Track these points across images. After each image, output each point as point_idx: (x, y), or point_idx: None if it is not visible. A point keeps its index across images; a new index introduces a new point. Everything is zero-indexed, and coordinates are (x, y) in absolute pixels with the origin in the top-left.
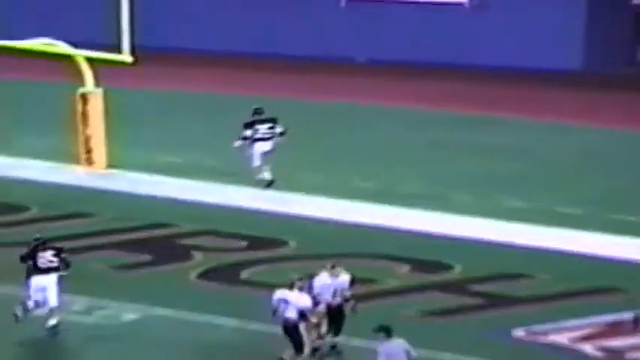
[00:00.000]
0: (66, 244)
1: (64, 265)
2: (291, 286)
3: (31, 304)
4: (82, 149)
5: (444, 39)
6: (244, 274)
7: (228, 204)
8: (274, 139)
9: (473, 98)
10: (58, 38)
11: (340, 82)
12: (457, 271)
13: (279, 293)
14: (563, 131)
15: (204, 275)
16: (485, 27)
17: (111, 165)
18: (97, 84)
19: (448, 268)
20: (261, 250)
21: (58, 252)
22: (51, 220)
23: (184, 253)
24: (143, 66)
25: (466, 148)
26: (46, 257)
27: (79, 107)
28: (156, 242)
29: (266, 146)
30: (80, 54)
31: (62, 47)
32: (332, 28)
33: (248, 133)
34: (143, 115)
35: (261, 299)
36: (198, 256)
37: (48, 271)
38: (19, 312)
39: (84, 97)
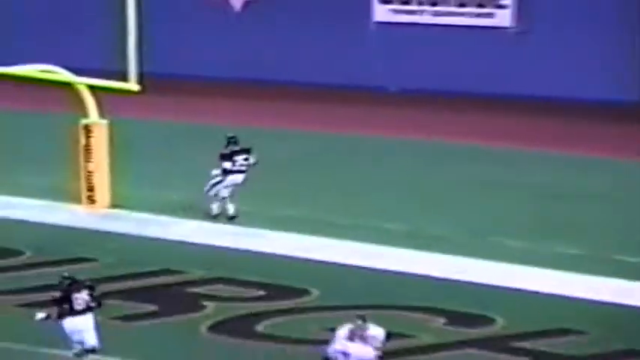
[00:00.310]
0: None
1: (97, 303)
2: (351, 337)
3: (78, 346)
4: (83, 186)
5: (483, 66)
6: (261, 327)
7: (242, 248)
8: (246, 172)
9: (514, 131)
10: (57, 64)
11: (368, 113)
12: (499, 325)
13: (339, 344)
14: (616, 168)
15: (216, 328)
16: (529, 53)
17: (115, 204)
18: (101, 114)
19: (489, 321)
20: (279, 300)
21: (92, 290)
22: (47, 266)
23: (194, 303)
24: (150, 95)
25: (505, 186)
26: (83, 297)
27: (82, 140)
28: (163, 290)
29: (239, 179)
30: (82, 82)
31: (62, 74)
32: (361, 54)
33: (228, 165)
34: (151, 148)
35: (281, 354)
36: (209, 306)
37: (84, 311)
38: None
39: (87, 129)
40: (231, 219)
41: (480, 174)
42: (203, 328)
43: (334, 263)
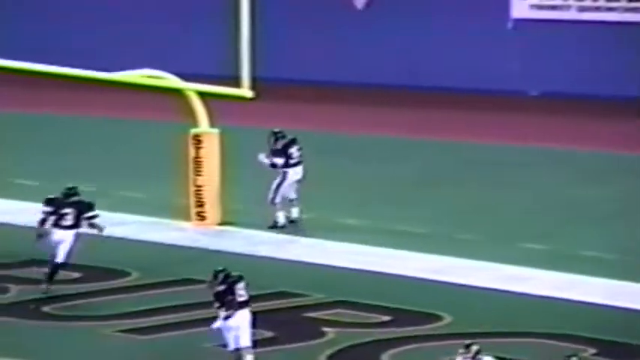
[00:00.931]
0: (173, 317)
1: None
2: None
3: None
4: (192, 202)
5: (636, 67)
6: (386, 356)
7: (364, 268)
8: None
9: None
10: (164, 70)
11: (505, 120)
12: None
13: None
14: None
15: (337, 356)
16: None
17: (226, 221)
18: (212, 123)
19: None
20: (407, 326)
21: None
22: (154, 288)
23: (313, 329)
24: (264, 101)
25: None
26: (241, 291)
27: (191, 151)
28: (279, 315)
29: (299, 172)
30: (191, 88)
31: (170, 80)
32: (497, 55)
33: (280, 161)
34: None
35: None
36: (330, 332)
37: (241, 306)
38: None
39: (196, 139)
40: (291, 223)
41: (626, 189)
42: (323, 358)
43: (467, 286)
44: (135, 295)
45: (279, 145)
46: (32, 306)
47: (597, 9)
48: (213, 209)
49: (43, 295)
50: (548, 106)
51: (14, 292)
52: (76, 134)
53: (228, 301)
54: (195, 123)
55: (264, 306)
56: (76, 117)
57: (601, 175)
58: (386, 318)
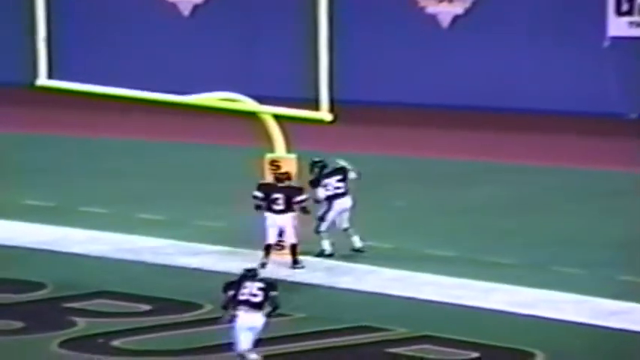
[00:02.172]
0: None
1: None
2: None
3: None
4: None
5: None
6: None
7: (450, 302)
8: (349, 193)
9: None
10: (239, 92)
11: (603, 144)
12: None
13: None
14: None
15: None
16: None
17: (305, 251)
18: (289, 148)
19: None
20: None
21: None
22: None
23: None
24: (343, 125)
25: None
26: (255, 290)
27: (267, 177)
28: (361, 350)
29: (346, 202)
30: (268, 111)
31: (246, 103)
32: (592, 75)
33: (321, 192)
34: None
35: None
36: None
37: (254, 307)
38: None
39: (274, 165)
40: (357, 252)
41: None
42: None
43: (561, 320)
44: (207, 328)
45: (314, 175)
46: (101, 340)
47: None
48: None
49: (114, 329)
50: None
51: (82, 325)
52: (148, 159)
53: (228, 300)
54: (271, 147)
55: (344, 341)
56: (148, 142)
57: None
58: (474, 355)
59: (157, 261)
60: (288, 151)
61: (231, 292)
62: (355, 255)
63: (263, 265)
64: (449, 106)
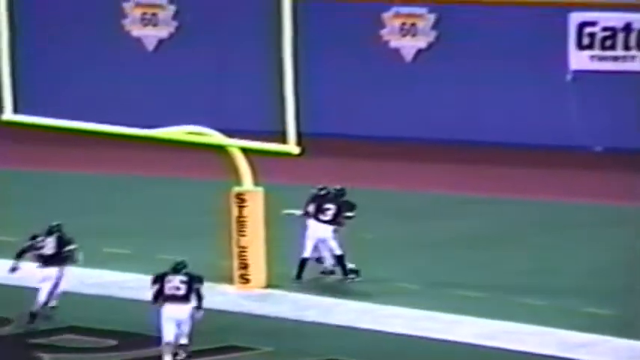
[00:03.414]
0: None
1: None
2: None
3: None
4: (235, 264)
5: None
6: None
7: (415, 334)
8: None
9: None
10: (206, 125)
11: (568, 177)
12: None
13: None
14: None
15: None
16: None
17: (272, 284)
18: (256, 181)
19: None
20: None
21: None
22: (196, 356)
23: None
24: (309, 158)
25: None
26: (178, 284)
27: (234, 210)
28: None
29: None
30: (235, 144)
31: (213, 136)
32: (556, 109)
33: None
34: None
35: None
36: None
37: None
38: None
39: (240, 198)
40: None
41: None
42: None
43: (524, 352)
44: None
45: (314, 194)
46: None
47: None
48: (257, 272)
49: None
50: (613, 162)
51: None
52: (114, 193)
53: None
54: (238, 181)
55: None
56: (114, 176)
57: None
58: None
59: (123, 295)
60: (256, 184)
61: (156, 286)
62: (323, 287)
63: None
64: (414, 139)
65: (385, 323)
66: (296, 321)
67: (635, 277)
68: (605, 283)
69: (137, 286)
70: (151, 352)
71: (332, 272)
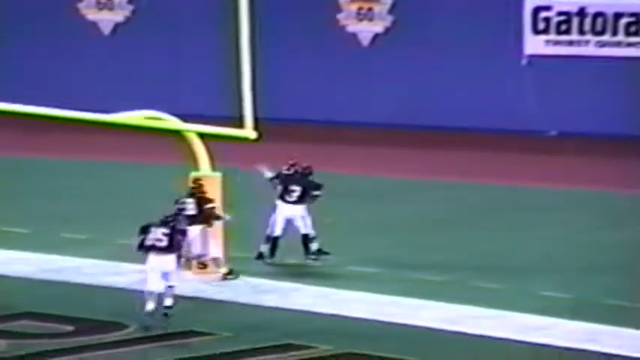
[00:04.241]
0: None
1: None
2: None
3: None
4: None
5: None
6: None
7: (374, 318)
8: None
9: None
10: (163, 110)
11: (523, 161)
12: None
13: None
14: None
15: None
16: None
17: (229, 270)
18: (213, 166)
19: None
20: None
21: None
22: (154, 341)
23: None
24: (266, 143)
25: None
26: (157, 234)
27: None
28: None
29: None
30: (192, 129)
31: (170, 121)
32: (511, 93)
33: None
34: (270, 204)
35: None
36: None
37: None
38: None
39: (197, 183)
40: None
41: None
42: None
43: (481, 336)
44: (134, 349)
45: (281, 173)
46: None
47: (618, 44)
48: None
49: (37, 350)
50: (568, 146)
51: (4, 347)
52: (69, 179)
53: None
54: (195, 166)
55: (272, 359)
56: (71, 161)
57: (626, 218)
58: None
59: (81, 280)
60: (213, 169)
61: (141, 237)
62: (282, 272)
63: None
64: (370, 123)
65: (345, 307)
66: (254, 306)
67: (591, 260)
68: (561, 266)
69: (94, 271)
70: (107, 337)
71: (314, 256)
